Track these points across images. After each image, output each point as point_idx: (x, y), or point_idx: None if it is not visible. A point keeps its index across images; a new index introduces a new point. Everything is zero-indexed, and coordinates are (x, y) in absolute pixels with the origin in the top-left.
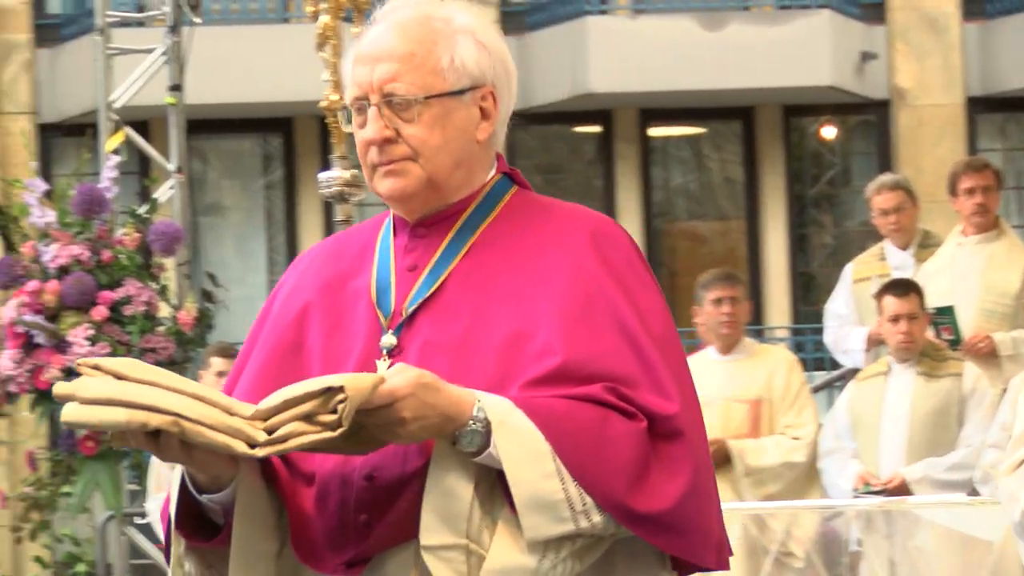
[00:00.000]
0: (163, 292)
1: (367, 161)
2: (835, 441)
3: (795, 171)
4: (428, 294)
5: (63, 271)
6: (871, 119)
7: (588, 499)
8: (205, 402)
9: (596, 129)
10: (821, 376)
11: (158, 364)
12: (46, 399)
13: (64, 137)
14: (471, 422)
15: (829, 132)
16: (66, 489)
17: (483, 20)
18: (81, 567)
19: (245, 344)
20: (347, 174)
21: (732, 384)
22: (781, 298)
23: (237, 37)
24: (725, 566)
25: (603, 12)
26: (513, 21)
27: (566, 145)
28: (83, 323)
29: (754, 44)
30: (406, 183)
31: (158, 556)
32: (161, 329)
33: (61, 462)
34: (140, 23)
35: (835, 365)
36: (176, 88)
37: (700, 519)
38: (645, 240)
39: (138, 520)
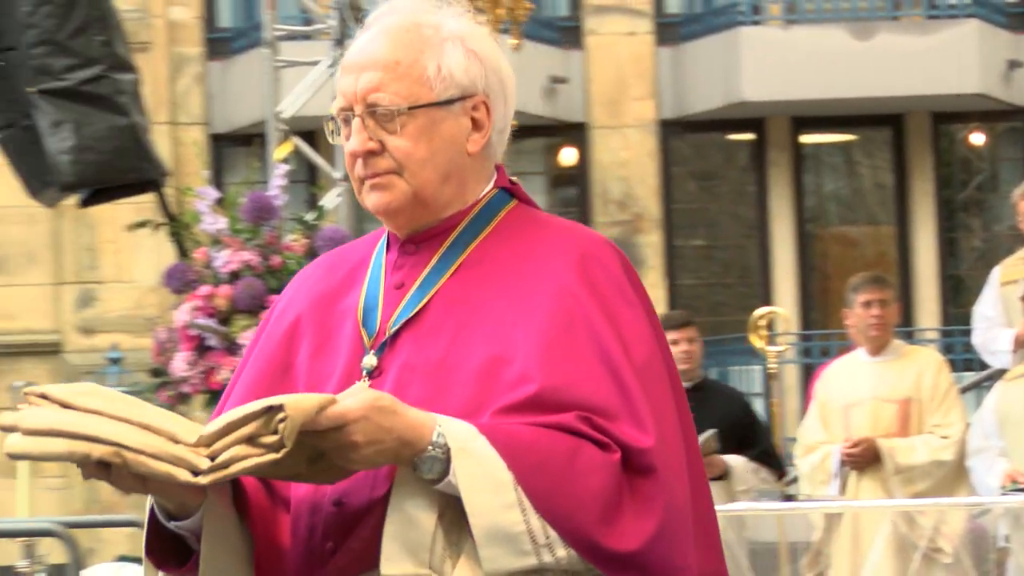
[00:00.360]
0: None
1: (355, 175)
2: (983, 440)
3: (944, 177)
4: (411, 314)
5: (234, 276)
6: (1018, 125)
7: (552, 532)
8: (151, 430)
9: (749, 136)
10: (971, 377)
11: None
12: (219, 399)
13: (234, 147)
14: (430, 448)
15: (977, 138)
16: None
17: (476, 27)
18: None
19: (241, 361)
20: None
21: (882, 384)
22: (931, 301)
23: None
24: None
25: (756, 23)
26: (668, 32)
27: (720, 152)
28: (253, 326)
29: (903, 53)
30: (391, 198)
31: None
32: None
33: None
34: (307, 36)
35: (984, 366)
36: None
37: (671, 559)
38: (797, 244)
39: None
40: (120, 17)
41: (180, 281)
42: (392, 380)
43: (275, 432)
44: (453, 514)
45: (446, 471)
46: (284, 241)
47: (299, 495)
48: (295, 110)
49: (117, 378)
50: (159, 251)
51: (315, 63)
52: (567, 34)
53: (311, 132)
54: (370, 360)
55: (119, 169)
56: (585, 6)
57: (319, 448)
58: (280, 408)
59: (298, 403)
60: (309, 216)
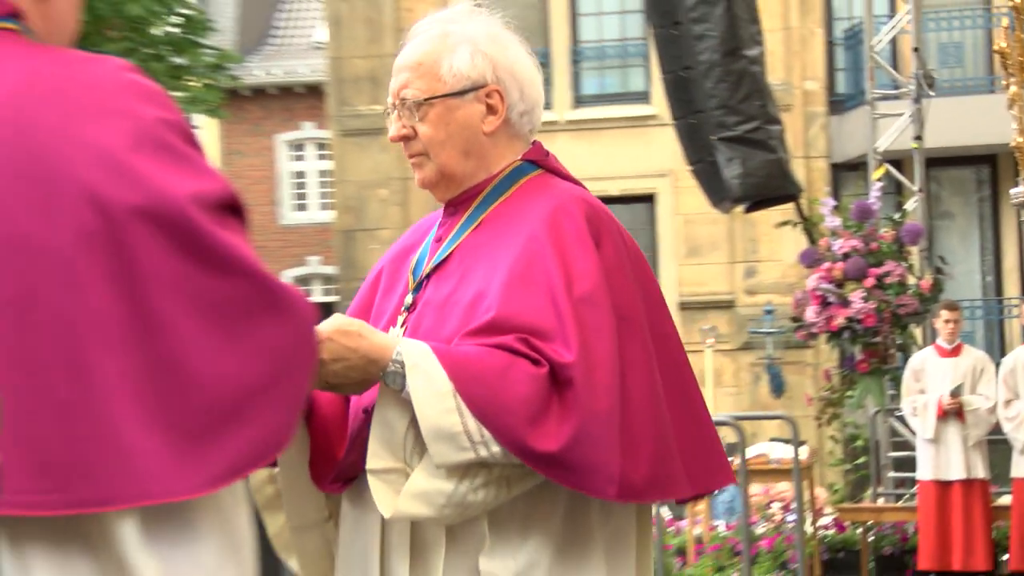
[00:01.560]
0: (910, 269)
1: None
2: None
3: None
4: (439, 261)
5: (845, 256)
6: None
7: (486, 432)
8: None
9: None
10: None
11: (906, 316)
12: (836, 337)
13: (846, 172)
14: (391, 364)
15: None
16: (849, 393)
17: (493, 30)
18: (859, 443)
19: None
20: None
21: None
22: None
23: (959, 104)
24: (640, 497)
25: None
26: None
27: None
28: (859, 289)
29: None
30: (424, 175)
31: (911, 438)
32: (909, 292)
33: (846, 376)
34: (895, 97)
35: None
36: (918, 138)
37: (591, 459)
38: None
39: (897, 413)
40: (771, 88)
41: (811, 260)
42: (417, 313)
43: None
44: None
45: (405, 383)
46: (879, 232)
47: (352, 406)
48: (887, 146)
49: (770, 323)
50: (797, 240)
51: (900, 115)
52: None
53: (898, 160)
54: (408, 299)
55: (770, 188)
56: None
57: None
58: None
59: None
60: (896, 216)
